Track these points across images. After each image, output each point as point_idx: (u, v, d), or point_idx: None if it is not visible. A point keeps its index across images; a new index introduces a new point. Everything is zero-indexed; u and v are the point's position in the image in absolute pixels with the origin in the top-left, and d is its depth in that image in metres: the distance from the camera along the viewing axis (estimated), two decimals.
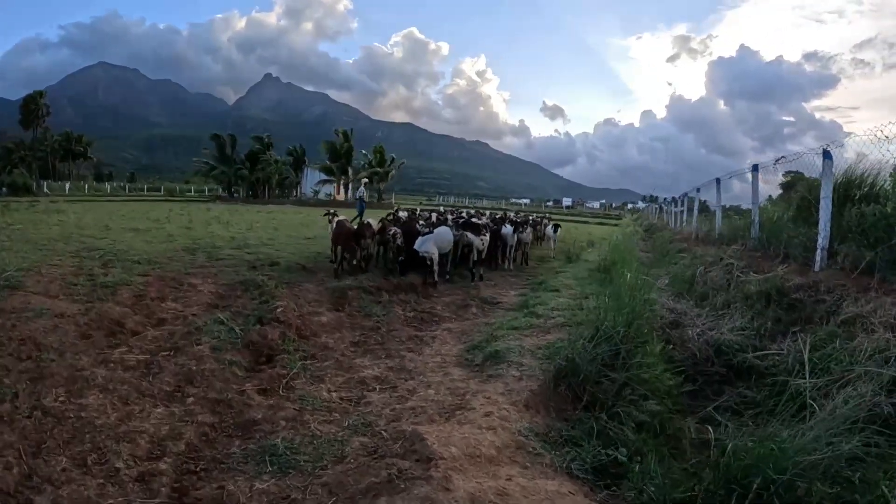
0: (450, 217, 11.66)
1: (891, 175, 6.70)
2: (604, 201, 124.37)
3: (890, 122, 5.26)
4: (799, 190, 8.75)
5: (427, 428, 3.33)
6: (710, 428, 3.50)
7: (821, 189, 6.08)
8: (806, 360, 3.94)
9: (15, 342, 4.65)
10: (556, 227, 12.11)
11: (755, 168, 10.42)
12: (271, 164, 50.96)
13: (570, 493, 2.86)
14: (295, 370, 4.58)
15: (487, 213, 16.33)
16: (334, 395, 4.14)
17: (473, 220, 11.20)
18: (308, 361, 4.86)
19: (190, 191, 61.09)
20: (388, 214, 12.67)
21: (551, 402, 3.92)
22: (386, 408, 3.89)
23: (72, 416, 3.42)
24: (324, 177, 52.77)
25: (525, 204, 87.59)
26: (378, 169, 51.76)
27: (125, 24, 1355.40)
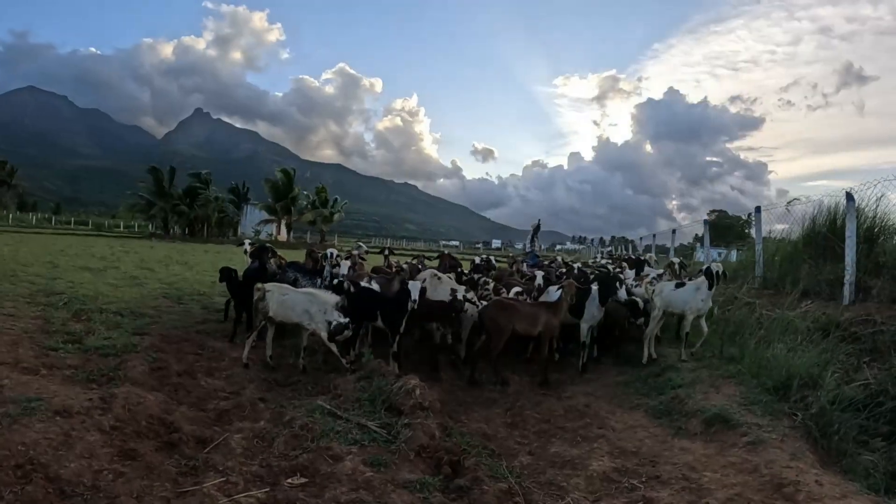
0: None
1: None
2: None
3: None
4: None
5: None
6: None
7: (846, 228, 6.20)
8: None
9: (10, 473, 2.60)
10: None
11: (758, 210, 10.21)
12: (211, 202, 46.75)
13: None
14: (511, 480, 3.15)
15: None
16: None
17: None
18: (503, 462, 3.44)
19: (119, 226, 55.00)
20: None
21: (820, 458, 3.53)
22: None
23: None
24: (265, 216, 49.38)
25: (456, 246, 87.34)
26: (324, 210, 49.02)
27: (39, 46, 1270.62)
